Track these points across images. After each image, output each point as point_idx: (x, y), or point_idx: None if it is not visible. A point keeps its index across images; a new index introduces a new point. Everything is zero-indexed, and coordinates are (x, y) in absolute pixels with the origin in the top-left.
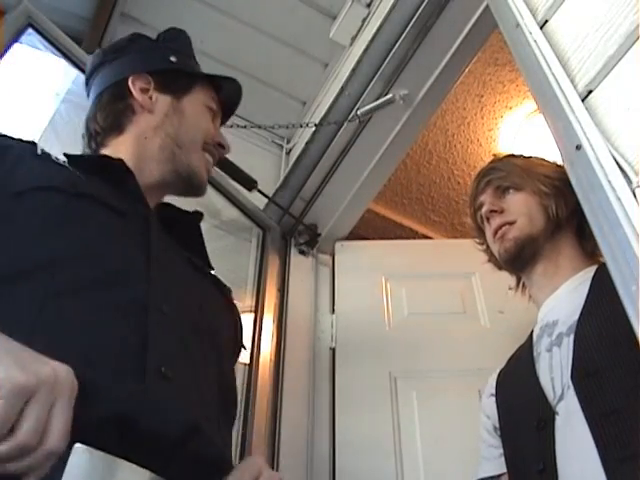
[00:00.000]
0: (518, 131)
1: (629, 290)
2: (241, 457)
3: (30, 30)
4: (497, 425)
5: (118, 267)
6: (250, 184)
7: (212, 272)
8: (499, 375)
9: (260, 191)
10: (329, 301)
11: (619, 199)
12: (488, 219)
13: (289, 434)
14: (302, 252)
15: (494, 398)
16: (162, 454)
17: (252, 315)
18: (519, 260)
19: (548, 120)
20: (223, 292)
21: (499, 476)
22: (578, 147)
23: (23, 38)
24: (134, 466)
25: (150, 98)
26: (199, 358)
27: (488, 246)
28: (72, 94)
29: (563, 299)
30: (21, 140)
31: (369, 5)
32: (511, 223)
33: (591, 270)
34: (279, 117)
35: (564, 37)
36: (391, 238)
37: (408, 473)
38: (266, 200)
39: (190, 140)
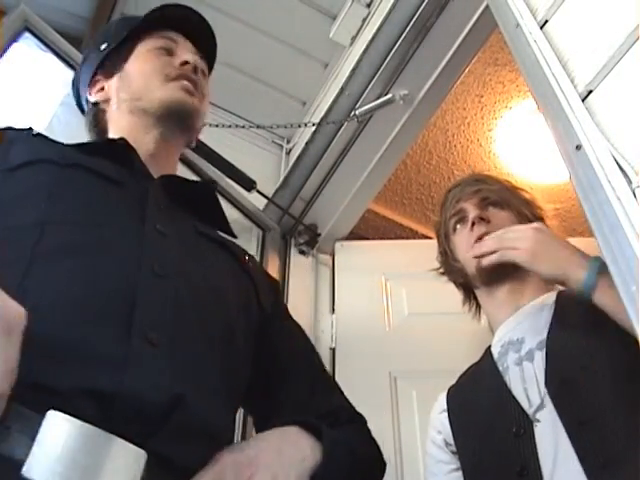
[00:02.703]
0: (518, 131)
1: (629, 290)
2: None
3: (26, 34)
4: (449, 441)
5: (110, 233)
6: (249, 185)
7: (232, 240)
8: (449, 392)
9: (260, 191)
10: (329, 301)
11: (619, 199)
12: (473, 224)
13: None
14: (302, 252)
15: (446, 414)
16: (144, 425)
17: None
18: (495, 273)
19: (548, 120)
20: (241, 259)
21: None
22: (578, 147)
23: (20, 41)
24: (113, 435)
25: (102, 89)
26: (199, 325)
27: (451, 253)
28: (70, 97)
29: (527, 319)
30: (16, 128)
31: (369, 5)
32: None
33: (553, 295)
34: (279, 117)
35: (564, 37)
36: (391, 238)
37: (408, 473)
38: (266, 200)
39: (143, 87)
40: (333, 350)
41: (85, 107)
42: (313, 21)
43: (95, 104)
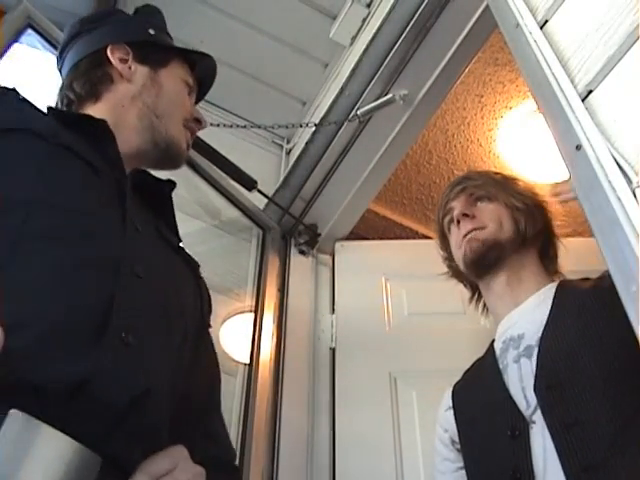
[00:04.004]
0: (518, 131)
1: (629, 290)
2: (241, 458)
3: (29, 31)
4: (455, 439)
5: (94, 224)
6: (250, 184)
7: (181, 245)
8: (455, 388)
9: (260, 191)
10: (329, 301)
11: (619, 199)
12: (458, 222)
13: (289, 434)
14: (302, 252)
15: (452, 411)
16: (107, 422)
17: (252, 315)
18: (484, 262)
19: (548, 120)
20: (192, 267)
21: None
22: (578, 147)
23: (23, 38)
24: (66, 437)
25: (129, 68)
26: (165, 331)
27: (449, 255)
28: None
29: (528, 314)
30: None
31: (369, 5)
32: (482, 229)
33: (552, 287)
34: (279, 117)
35: (564, 37)
36: (391, 238)
37: (408, 473)
38: (266, 200)
39: (169, 112)
40: (333, 350)
41: (85, 45)
42: (313, 21)
43: (108, 65)
